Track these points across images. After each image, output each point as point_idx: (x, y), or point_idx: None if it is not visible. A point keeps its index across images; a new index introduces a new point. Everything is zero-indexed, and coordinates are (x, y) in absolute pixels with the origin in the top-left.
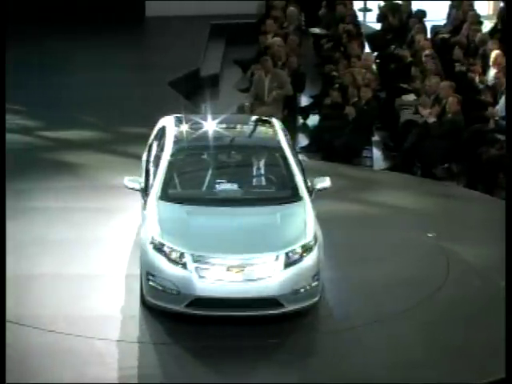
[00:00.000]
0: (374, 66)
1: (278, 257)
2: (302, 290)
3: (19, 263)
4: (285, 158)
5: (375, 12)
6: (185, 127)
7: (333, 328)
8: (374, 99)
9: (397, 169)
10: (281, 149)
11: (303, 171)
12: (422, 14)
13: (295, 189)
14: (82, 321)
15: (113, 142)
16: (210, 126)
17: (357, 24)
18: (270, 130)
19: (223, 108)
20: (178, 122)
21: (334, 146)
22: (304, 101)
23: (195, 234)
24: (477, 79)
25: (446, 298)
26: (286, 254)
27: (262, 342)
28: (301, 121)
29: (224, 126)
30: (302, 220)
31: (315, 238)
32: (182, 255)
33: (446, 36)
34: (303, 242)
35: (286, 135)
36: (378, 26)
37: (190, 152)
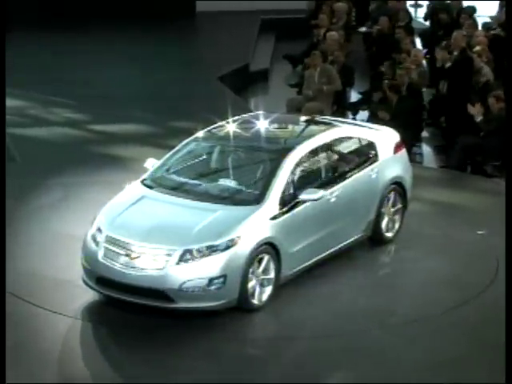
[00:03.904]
0: (424, 62)
1: (173, 251)
2: (194, 290)
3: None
4: (278, 163)
5: (426, 8)
6: (232, 126)
7: (374, 325)
8: (419, 95)
9: (447, 165)
10: (282, 152)
11: (396, 183)
12: (472, 10)
13: (262, 193)
14: (32, 284)
15: (160, 136)
16: (262, 124)
17: (409, 20)
18: (308, 132)
19: (273, 103)
20: (235, 120)
21: None
22: (354, 96)
23: (123, 217)
24: None
25: (493, 297)
26: (188, 250)
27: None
28: (350, 116)
29: (276, 125)
30: (235, 223)
31: (232, 242)
32: (100, 234)
33: (499, 33)
34: (210, 242)
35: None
36: (428, 22)
37: (198, 147)
